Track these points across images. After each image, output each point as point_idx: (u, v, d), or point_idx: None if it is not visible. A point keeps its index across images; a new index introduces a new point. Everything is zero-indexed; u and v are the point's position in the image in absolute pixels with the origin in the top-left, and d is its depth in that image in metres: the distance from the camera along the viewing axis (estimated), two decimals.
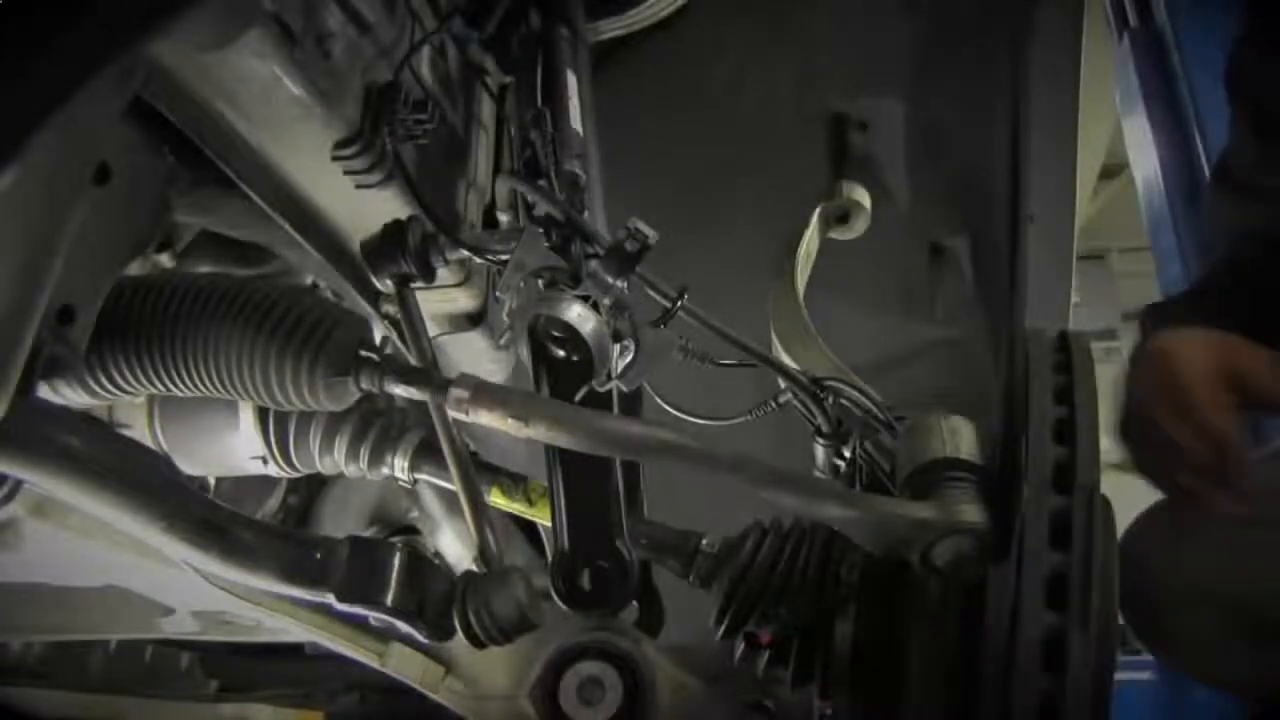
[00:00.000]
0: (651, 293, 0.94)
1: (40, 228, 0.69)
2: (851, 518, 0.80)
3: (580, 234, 0.94)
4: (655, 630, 1.11)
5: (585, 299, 0.90)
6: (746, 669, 0.94)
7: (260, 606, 1.27)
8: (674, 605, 1.10)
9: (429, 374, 0.90)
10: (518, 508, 1.09)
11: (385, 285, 0.96)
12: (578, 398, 0.90)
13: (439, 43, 1.15)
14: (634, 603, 1.04)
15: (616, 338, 0.92)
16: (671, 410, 1.09)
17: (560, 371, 0.92)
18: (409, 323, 0.96)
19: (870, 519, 0.79)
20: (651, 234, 0.89)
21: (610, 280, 0.90)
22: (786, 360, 1.09)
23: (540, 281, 0.94)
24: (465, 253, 0.96)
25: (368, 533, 1.69)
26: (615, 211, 1.14)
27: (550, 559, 0.99)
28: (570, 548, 0.96)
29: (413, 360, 0.96)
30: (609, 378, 0.92)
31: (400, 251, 0.93)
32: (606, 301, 0.91)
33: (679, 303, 0.93)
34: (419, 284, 0.96)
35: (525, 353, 0.96)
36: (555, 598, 0.97)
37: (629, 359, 0.92)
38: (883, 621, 0.86)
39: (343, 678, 1.94)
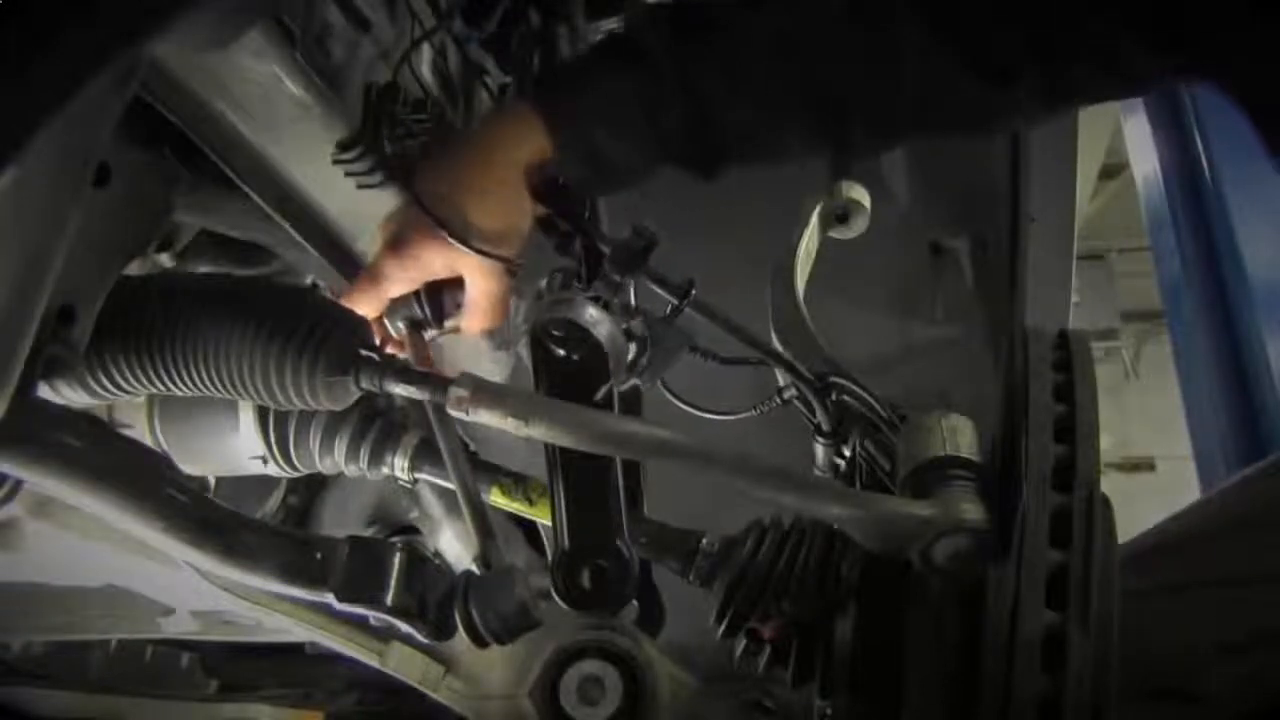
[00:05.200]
0: (658, 289, 0.95)
1: (40, 228, 0.69)
2: (851, 516, 0.80)
3: (583, 233, 0.94)
4: (655, 630, 1.11)
5: (596, 299, 0.90)
6: (746, 668, 0.94)
7: (260, 606, 1.27)
8: (674, 605, 1.11)
9: (429, 374, 0.90)
10: (518, 507, 1.09)
11: (397, 329, 0.98)
12: (597, 397, 0.90)
13: (439, 42, 1.15)
14: (634, 602, 1.04)
15: (629, 336, 0.92)
16: (682, 405, 1.09)
17: (560, 371, 0.92)
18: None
19: (870, 517, 0.79)
20: (657, 231, 0.90)
21: (618, 279, 0.90)
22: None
23: (545, 283, 0.94)
24: None
25: (368, 533, 1.69)
26: (614, 210, 1.14)
27: (550, 558, 0.99)
28: (570, 547, 0.96)
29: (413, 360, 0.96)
30: (627, 377, 0.92)
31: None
32: (618, 301, 0.91)
33: (689, 297, 0.93)
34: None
35: (525, 353, 0.96)
36: (555, 597, 0.97)
37: (642, 358, 0.92)
38: (883, 620, 0.86)
39: (343, 678, 1.94)
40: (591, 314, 0.89)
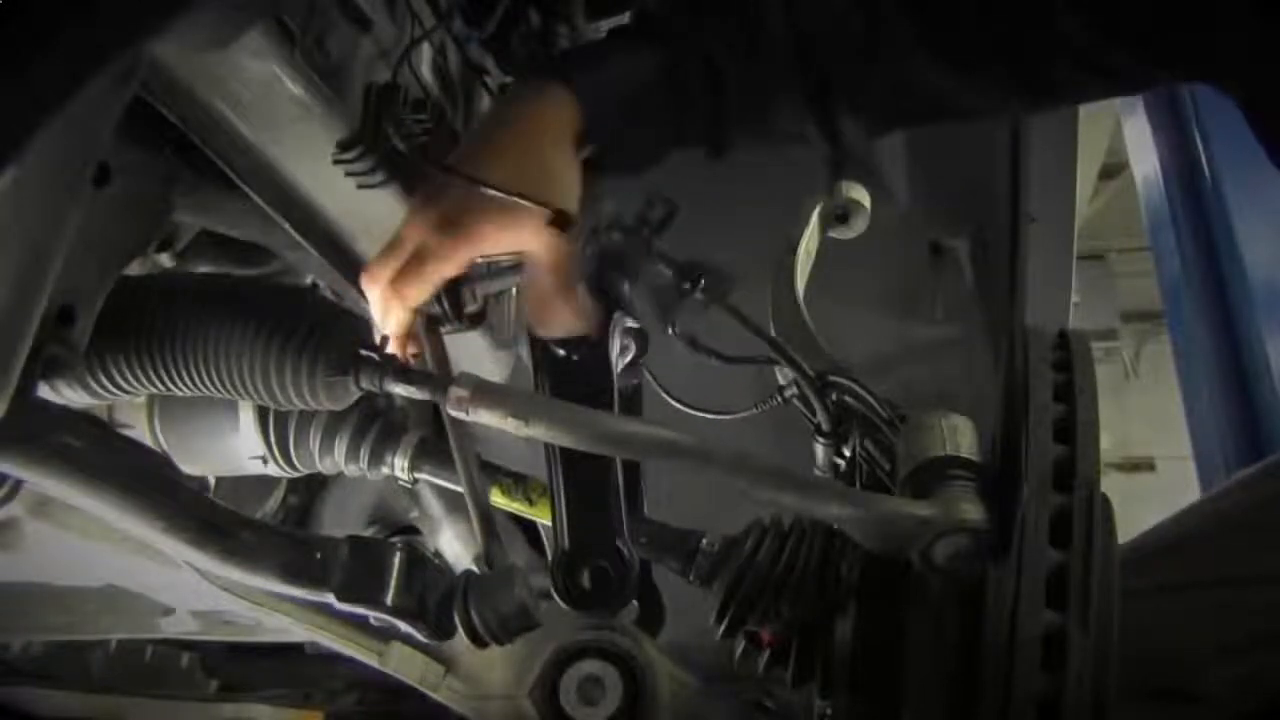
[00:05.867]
0: (665, 269, 0.94)
1: (40, 228, 0.69)
2: (851, 516, 0.80)
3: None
4: (655, 629, 1.11)
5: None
6: (746, 668, 0.94)
7: (260, 606, 1.27)
8: (674, 605, 1.11)
9: (429, 373, 0.90)
10: (518, 507, 1.09)
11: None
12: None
13: (439, 42, 1.15)
14: (634, 602, 1.04)
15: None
16: (680, 405, 1.09)
17: (561, 371, 0.92)
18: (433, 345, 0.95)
19: (870, 517, 0.79)
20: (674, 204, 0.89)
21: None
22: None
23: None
24: None
25: (368, 533, 1.69)
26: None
27: (550, 558, 0.99)
28: (570, 547, 0.96)
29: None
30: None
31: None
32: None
33: (699, 283, 0.93)
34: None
35: (525, 352, 0.96)
36: (555, 597, 0.97)
37: (629, 354, 0.92)
38: (883, 620, 0.86)
39: (343, 678, 1.94)
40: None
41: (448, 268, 0.89)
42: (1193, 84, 0.96)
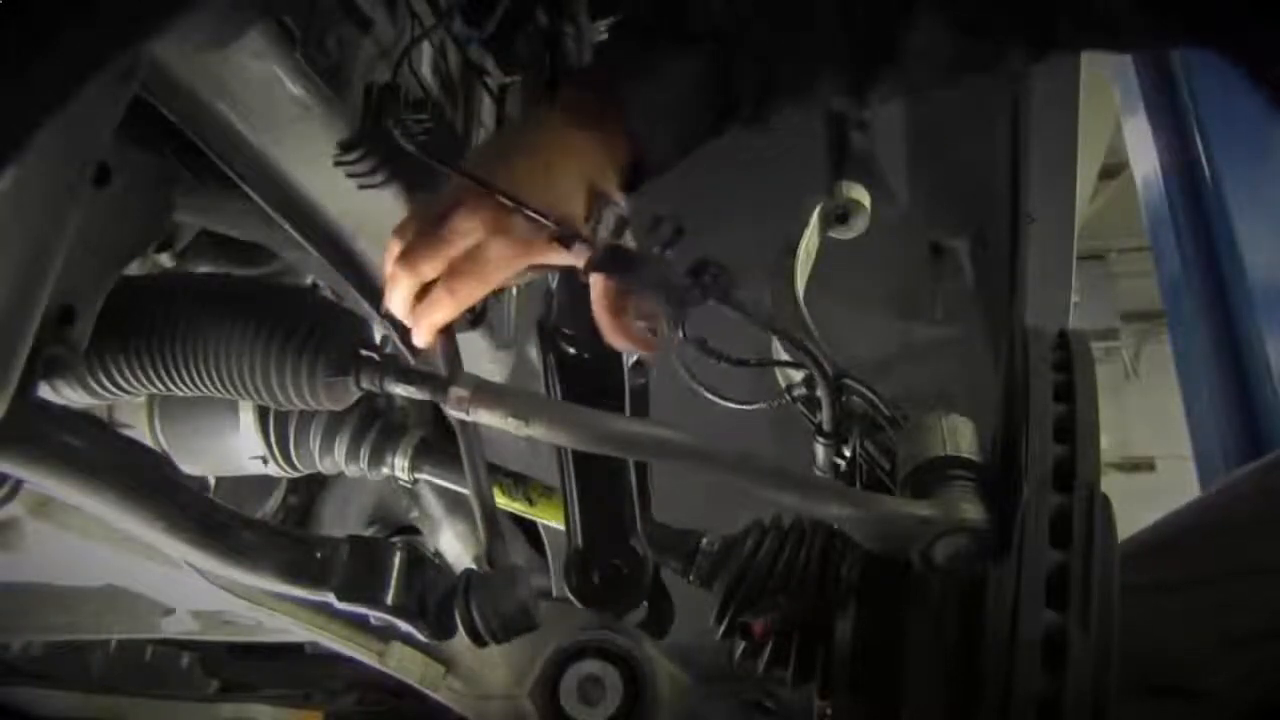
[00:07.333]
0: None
1: (40, 228, 0.69)
2: (852, 516, 0.80)
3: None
4: (664, 630, 1.11)
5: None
6: (746, 668, 0.94)
7: (260, 606, 1.28)
8: (674, 604, 1.11)
9: (429, 373, 0.90)
10: (518, 507, 1.09)
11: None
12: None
13: (439, 42, 1.15)
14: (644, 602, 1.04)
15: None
16: (704, 392, 1.08)
17: (572, 369, 0.92)
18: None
19: (871, 517, 0.79)
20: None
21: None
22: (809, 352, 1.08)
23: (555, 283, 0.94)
24: None
25: (368, 532, 1.69)
26: None
27: (567, 557, 0.99)
28: (584, 546, 0.96)
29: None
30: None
31: None
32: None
33: (704, 273, 0.93)
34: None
35: (535, 352, 0.96)
36: (570, 595, 0.96)
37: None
38: (883, 620, 0.86)
39: (343, 678, 1.94)
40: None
41: (506, 272, 0.86)
42: (1194, 49, 0.95)
